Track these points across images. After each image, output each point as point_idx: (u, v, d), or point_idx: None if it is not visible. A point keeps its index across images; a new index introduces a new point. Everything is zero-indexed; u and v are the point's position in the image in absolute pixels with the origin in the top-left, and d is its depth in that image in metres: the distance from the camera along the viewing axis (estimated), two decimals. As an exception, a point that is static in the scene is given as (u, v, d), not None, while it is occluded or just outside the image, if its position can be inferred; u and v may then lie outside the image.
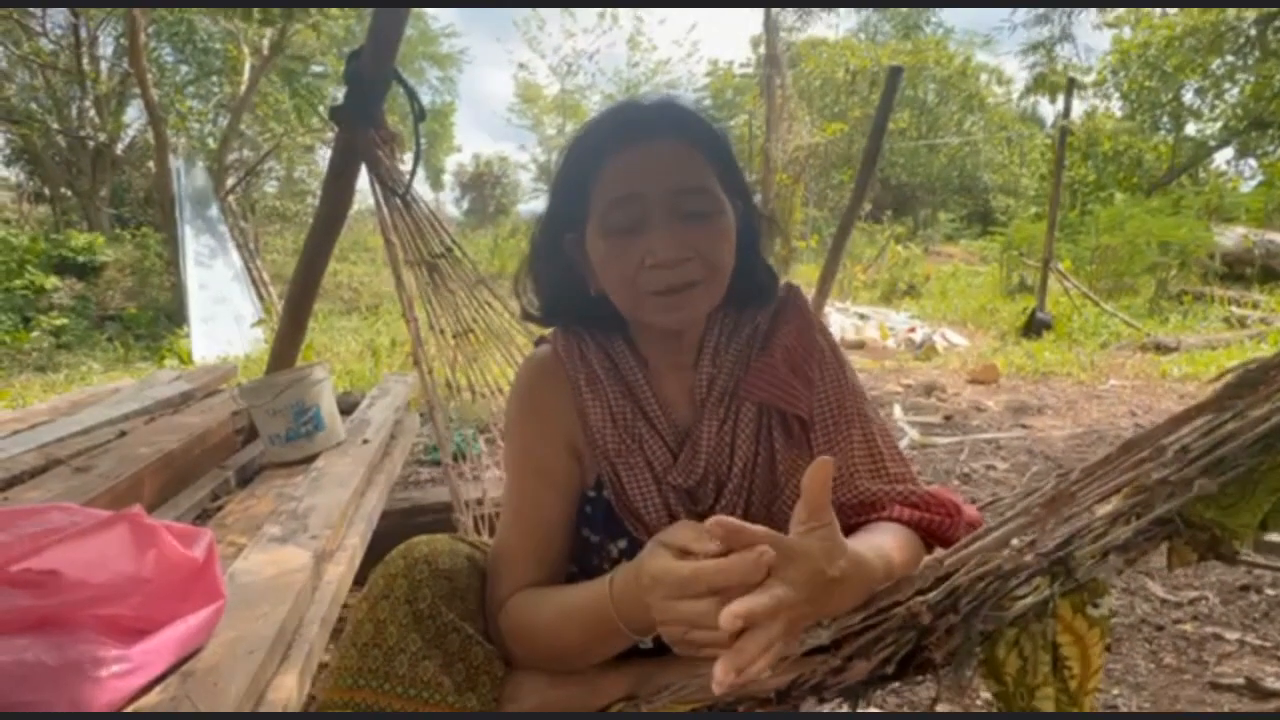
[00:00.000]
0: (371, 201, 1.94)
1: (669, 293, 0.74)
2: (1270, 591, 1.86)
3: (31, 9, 8.34)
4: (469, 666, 0.72)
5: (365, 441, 2.07)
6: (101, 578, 0.91)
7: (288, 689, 0.95)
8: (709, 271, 0.75)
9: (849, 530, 0.75)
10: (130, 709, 0.85)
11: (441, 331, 1.79)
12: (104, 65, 9.24)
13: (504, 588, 0.78)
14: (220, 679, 0.89)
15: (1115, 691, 1.50)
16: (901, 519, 0.75)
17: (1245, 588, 1.89)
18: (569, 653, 0.72)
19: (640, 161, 0.74)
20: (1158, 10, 12.78)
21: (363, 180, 2.00)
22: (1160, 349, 5.25)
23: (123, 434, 2.10)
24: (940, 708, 1.30)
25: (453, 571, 0.76)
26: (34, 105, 9.05)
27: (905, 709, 1.47)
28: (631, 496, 0.80)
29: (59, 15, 8.60)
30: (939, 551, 0.63)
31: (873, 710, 1.45)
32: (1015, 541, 0.58)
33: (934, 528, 0.75)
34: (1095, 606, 0.60)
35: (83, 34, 8.71)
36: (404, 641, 0.69)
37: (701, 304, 0.77)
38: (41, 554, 0.90)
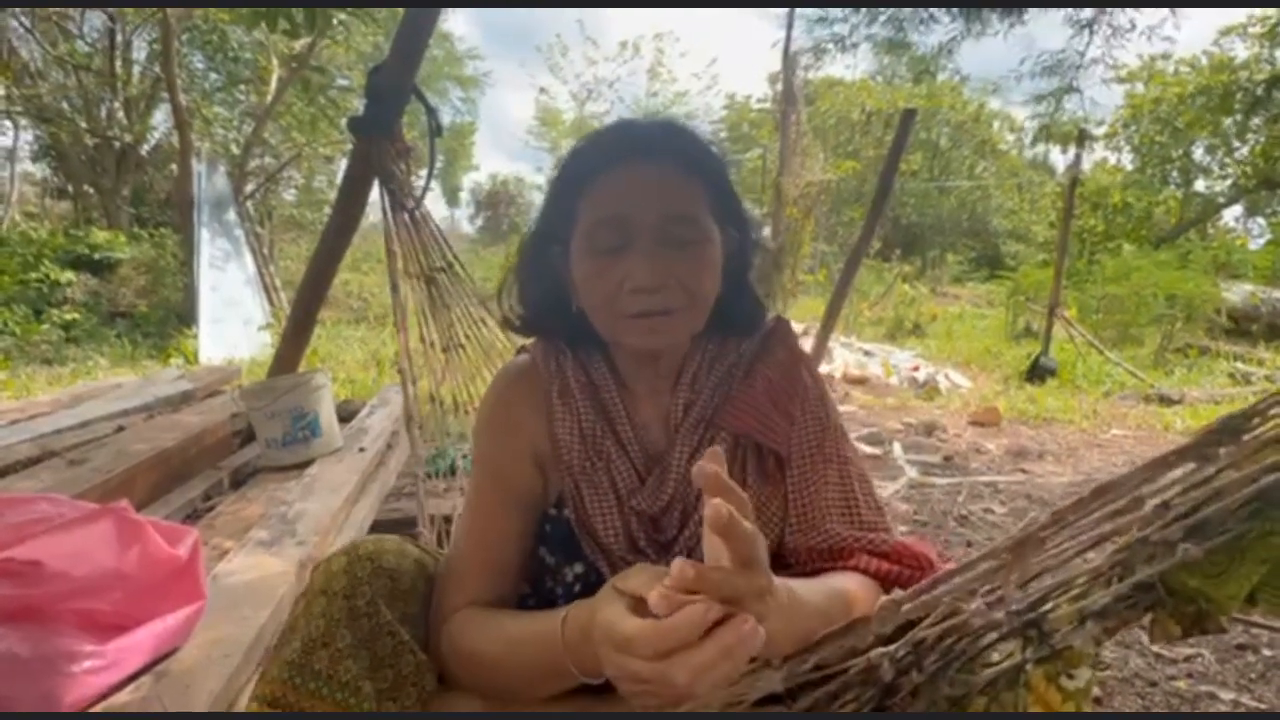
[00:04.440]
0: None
1: (645, 317, 0.73)
2: (1268, 652, 1.82)
3: (70, 13, 8.55)
4: (396, 674, 0.68)
5: (361, 450, 2.07)
6: (83, 571, 0.91)
7: (260, 695, 0.93)
8: (687, 299, 0.74)
9: (813, 575, 0.73)
10: (100, 707, 0.84)
11: (432, 344, 1.79)
12: (136, 69, 9.42)
13: (451, 599, 0.75)
14: (193, 681, 0.88)
15: (1104, 747, 1.46)
16: (868, 570, 0.72)
17: (1242, 647, 1.85)
18: (512, 685, 0.69)
19: (629, 184, 0.74)
20: (1170, 67, 12.94)
21: (376, 191, 2.02)
22: (1164, 401, 5.21)
23: (120, 429, 2.11)
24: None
25: (397, 571, 0.73)
26: (65, 104, 9.21)
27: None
28: (591, 517, 0.78)
29: (96, 18, 8.81)
30: (897, 593, 0.59)
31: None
32: (982, 592, 0.55)
33: (901, 581, 0.72)
34: (1070, 678, 0.56)
35: (118, 38, 8.91)
36: (330, 636, 0.66)
37: (678, 330, 0.76)
38: (25, 543, 0.90)
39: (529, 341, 0.90)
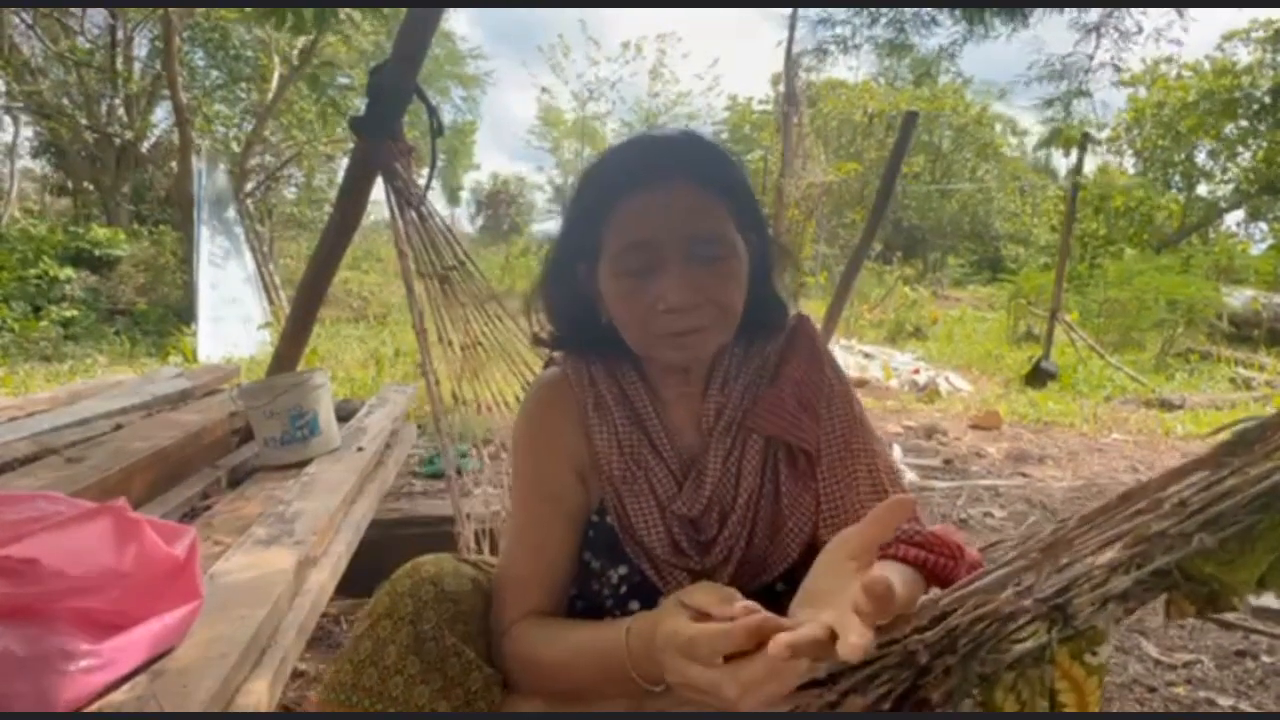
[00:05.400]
0: (387, 213, 1.95)
1: (680, 335, 0.75)
2: (1266, 658, 1.82)
3: (71, 10, 8.55)
4: (467, 692, 0.71)
5: (360, 449, 2.07)
6: (80, 569, 0.90)
7: (258, 694, 0.93)
8: (719, 314, 0.76)
9: None
10: (96, 706, 0.83)
11: (449, 344, 1.79)
12: (137, 66, 9.42)
13: (510, 612, 0.77)
14: (190, 680, 0.88)
15: (1105, 753, 1.46)
16: (905, 558, 0.73)
17: (1241, 653, 1.85)
18: (577, 690, 0.72)
19: (653, 206, 0.74)
20: (1172, 72, 12.96)
21: (377, 191, 2.02)
22: (1165, 406, 5.22)
23: (118, 427, 2.10)
24: None
25: (458, 594, 0.75)
26: (65, 101, 9.21)
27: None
28: (634, 523, 0.80)
29: (97, 15, 8.81)
30: (935, 591, 0.62)
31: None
32: (1012, 586, 0.58)
33: (936, 568, 0.74)
34: (1094, 654, 0.60)
35: (119, 34, 8.91)
36: (402, 663, 0.69)
37: (711, 344, 0.78)
38: (22, 541, 0.89)
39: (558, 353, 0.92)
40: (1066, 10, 4.45)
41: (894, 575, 0.70)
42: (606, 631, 0.68)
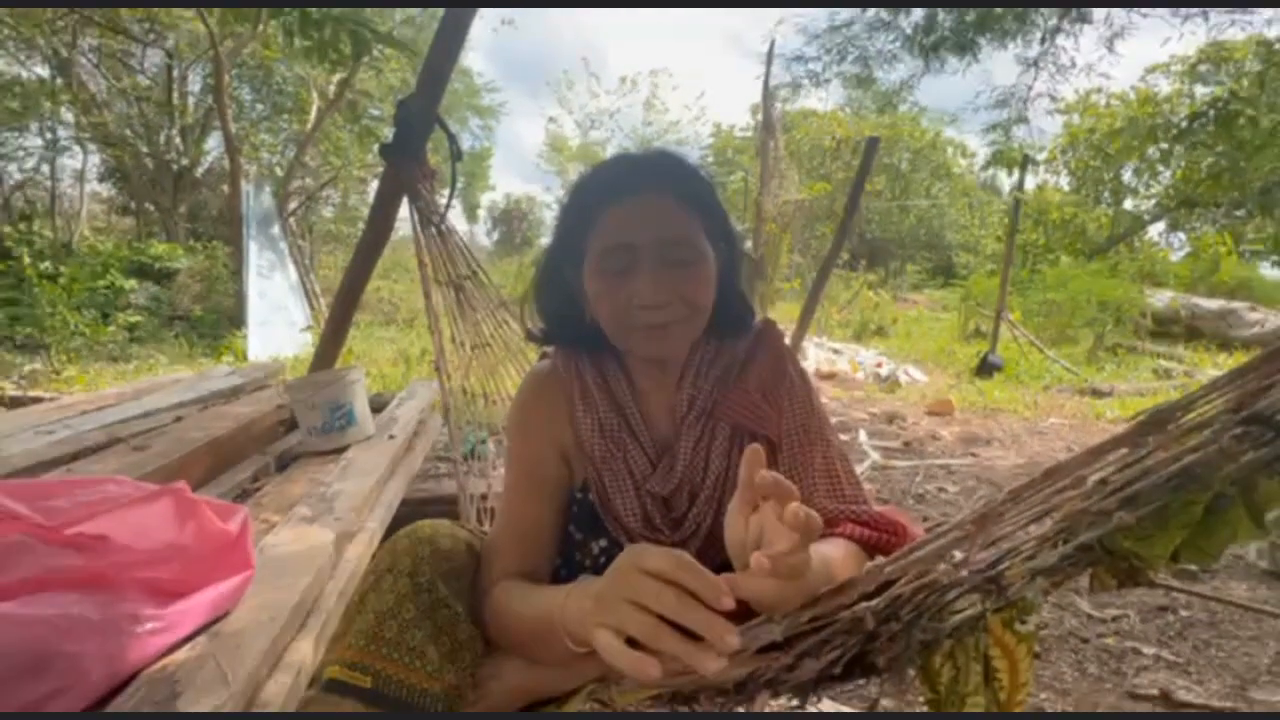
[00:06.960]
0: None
1: (653, 329, 0.75)
2: (1184, 613, 1.84)
3: (131, 49, 8.49)
4: (453, 641, 0.70)
5: (391, 437, 2.07)
6: (145, 544, 0.90)
7: (303, 653, 0.93)
8: (689, 311, 0.76)
9: None
10: (161, 664, 0.84)
11: (462, 344, 1.79)
12: (191, 100, 9.38)
13: (492, 574, 0.77)
14: (244, 641, 0.88)
15: (1043, 696, 1.47)
16: (852, 536, 0.74)
17: (1163, 608, 1.86)
18: (528, 648, 0.70)
19: (632, 214, 0.75)
20: (1102, 101, 12.95)
21: (404, 209, 2.01)
22: (1096, 394, 5.23)
23: (178, 419, 2.10)
24: (885, 703, 1.27)
25: (452, 552, 0.74)
26: (128, 131, 9.16)
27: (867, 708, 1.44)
28: (613, 500, 0.80)
29: (155, 55, 8.75)
30: (880, 559, 0.61)
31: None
32: (949, 557, 0.57)
33: (881, 544, 0.74)
34: (1023, 623, 0.59)
35: (175, 72, 8.86)
36: (398, 609, 0.68)
37: (681, 340, 0.78)
38: (94, 520, 0.90)
39: (549, 347, 0.91)
40: (1011, 45, 4.45)
41: (839, 551, 0.69)
42: (551, 595, 0.63)
